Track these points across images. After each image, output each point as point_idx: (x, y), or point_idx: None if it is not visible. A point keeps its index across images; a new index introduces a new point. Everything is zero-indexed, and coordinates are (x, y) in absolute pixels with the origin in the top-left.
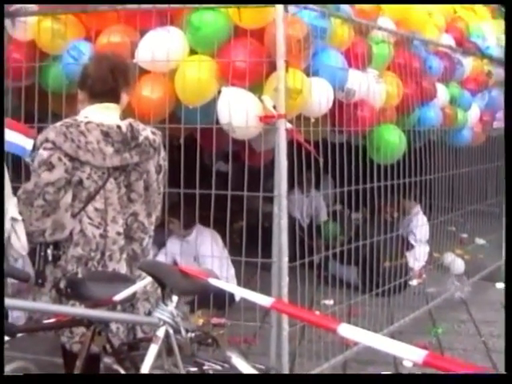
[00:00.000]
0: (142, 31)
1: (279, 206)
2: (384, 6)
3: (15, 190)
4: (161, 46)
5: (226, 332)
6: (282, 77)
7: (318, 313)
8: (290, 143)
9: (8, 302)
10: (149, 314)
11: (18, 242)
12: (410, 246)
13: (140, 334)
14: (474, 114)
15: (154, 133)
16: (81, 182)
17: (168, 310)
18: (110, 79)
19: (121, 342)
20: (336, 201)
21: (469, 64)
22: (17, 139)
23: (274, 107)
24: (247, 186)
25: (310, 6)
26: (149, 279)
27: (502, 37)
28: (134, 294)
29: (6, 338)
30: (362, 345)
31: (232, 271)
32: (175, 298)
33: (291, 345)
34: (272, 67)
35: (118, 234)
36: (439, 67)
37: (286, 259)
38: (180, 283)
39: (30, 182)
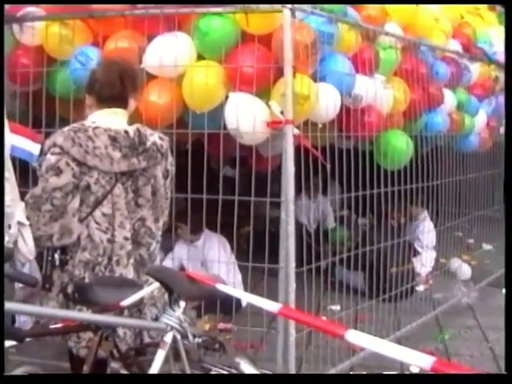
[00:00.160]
0: (150, 36)
1: (286, 211)
2: (391, 12)
3: (22, 195)
4: (168, 52)
5: (233, 337)
6: (289, 82)
7: (324, 318)
8: (297, 149)
9: (16, 307)
10: (156, 319)
11: (25, 246)
12: (416, 252)
13: (147, 339)
14: (481, 119)
15: (161, 138)
16: (88, 186)
17: (175, 316)
18: (118, 84)
19: (128, 347)
20: (343, 206)
21: (476, 70)
22: (24, 144)
23: (282, 113)
24: (254, 191)
25: (318, 11)
26: (156, 285)
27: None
28: (141, 300)
29: (14, 343)
30: (369, 350)
31: (239, 277)
32: (182, 304)
33: (298, 350)
34: (279, 73)
35: (126, 238)
36: (446, 73)
37: (293, 265)
38: (187, 289)
39: (37, 187)
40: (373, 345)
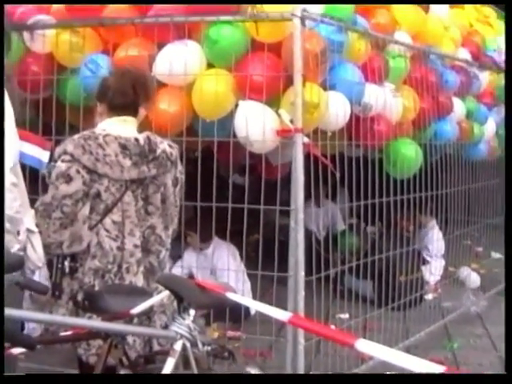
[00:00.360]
0: (160, 45)
1: (296, 219)
2: (401, 21)
3: (32, 202)
4: (178, 60)
5: (242, 345)
6: (299, 91)
7: (333, 327)
8: (307, 156)
9: (26, 314)
10: (165, 326)
11: (35, 253)
12: (425, 261)
13: (156, 347)
14: (490, 128)
15: (171, 146)
16: (98, 194)
17: (185, 324)
18: (131, 93)
19: (137, 355)
20: (352, 214)
21: (485, 78)
22: (33, 151)
23: (291, 121)
24: (263, 199)
25: (327, 20)
26: (166, 293)
27: None
28: (151, 307)
29: (23, 350)
30: (378, 359)
31: (248, 285)
32: (192, 312)
33: (307, 359)
34: (289, 81)
35: (135, 246)
36: (455, 81)
37: (302, 273)
38: (197, 297)
39: (47, 195)
40: (382, 354)
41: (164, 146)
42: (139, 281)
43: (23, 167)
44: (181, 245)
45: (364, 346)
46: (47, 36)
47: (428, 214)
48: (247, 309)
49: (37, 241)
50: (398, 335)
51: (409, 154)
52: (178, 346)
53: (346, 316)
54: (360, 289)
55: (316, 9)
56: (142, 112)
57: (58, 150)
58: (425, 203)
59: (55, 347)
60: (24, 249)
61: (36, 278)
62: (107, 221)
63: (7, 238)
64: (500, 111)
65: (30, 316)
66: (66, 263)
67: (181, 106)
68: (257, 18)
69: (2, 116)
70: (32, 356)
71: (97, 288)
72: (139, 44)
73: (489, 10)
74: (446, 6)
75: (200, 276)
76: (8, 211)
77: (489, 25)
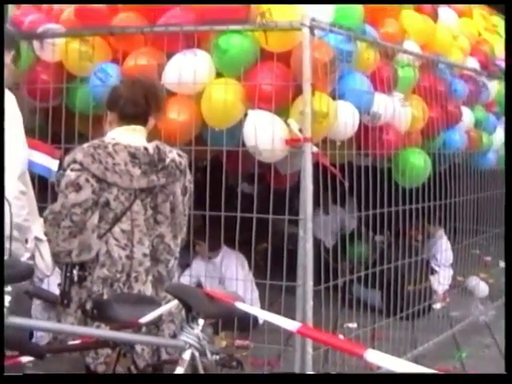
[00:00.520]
0: (169, 54)
1: (304, 229)
2: (409, 30)
3: (41, 211)
4: (187, 69)
5: (250, 354)
6: (308, 100)
7: (341, 336)
8: (316, 165)
9: (36, 323)
10: (174, 335)
11: (43, 262)
12: (433, 270)
13: (164, 356)
14: (498, 137)
15: (180, 155)
16: (108, 203)
17: (194, 334)
18: (142, 103)
19: (145, 364)
20: (361, 223)
21: (494, 87)
22: (42, 160)
23: (300, 130)
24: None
25: (336, 29)
26: (175, 302)
27: None
28: (159, 317)
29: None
30: (385, 369)
31: (256, 294)
32: (201, 322)
33: (315, 368)
34: (298, 90)
35: (144, 255)
36: (464, 90)
37: (310, 283)
38: (206, 307)
39: (56, 203)
40: (391, 364)
41: (173, 155)
42: (148, 290)
43: (32, 176)
44: (189, 253)
45: (373, 356)
46: (57, 45)
47: (436, 223)
48: (255, 318)
49: (45, 249)
50: (406, 345)
51: (417, 163)
52: (186, 356)
53: (354, 325)
54: (368, 298)
55: (325, 18)
56: (152, 121)
57: (68, 158)
58: (433, 212)
59: (63, 355)
60: (32, 257)
61: (45, 286)
62: (116, 229)
63: (15, 245)
64: None
65: (38, 325)
66: (75, 272)
67: (190, 114)
68: (266, 27)
69: (2, 116)
70: (40, 364)
71: (105, 297)
72: (148, 53)
73: (497, 19)
74: (454, 15)
75: (208, 285)
76: (16, 219)
77: (497, 34)
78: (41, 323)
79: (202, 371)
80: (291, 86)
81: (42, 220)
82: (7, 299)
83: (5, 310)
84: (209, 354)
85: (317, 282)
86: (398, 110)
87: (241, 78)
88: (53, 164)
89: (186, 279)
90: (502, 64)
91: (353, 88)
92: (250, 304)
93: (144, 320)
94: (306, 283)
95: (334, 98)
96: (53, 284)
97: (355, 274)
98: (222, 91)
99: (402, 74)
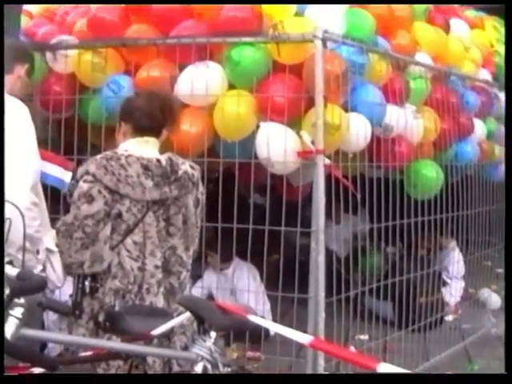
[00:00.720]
0: (182, 66)
1: (316, 241)
2: (421, 42)
3: (53, 222)
4: (200, 81)
5: (261, 366)
6: (320, 112)
7: (353, 348)
8: (328, 177)
9: (48, 335)
10: (185, 347)
11: (54, 273)
12: (445, 282)
13: (176, 368)
14: None
15: (192, 167)
16: (120, 214)
17: (206, 346)
18: (159, 116)
19: None
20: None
21: None
22: (55, 172)
23: (313, 142)
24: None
25: (349, 41)
26: (187, 314)
27: None
28: (171, 329)
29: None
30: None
31: (268, 306)
32: (213, 334)
33: None
34: (310, 102)
35: (156, 267)
36: (476, 102)
37: (322, 294)
38: (219, 319)
39: (69, 215)
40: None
41: (186, 167)
42: (159, 302)
43: (44, 187)
44: (201, 265)
45: (386, 369)
46: (69, 56)
47: (449, 235)
48: (267, 329)
49: (56, 261)
50: (418, 357)
51: (429, 175)
52: (199, 368)
53: (365, 337)
54: (380, 310)
55: (337, 30)
56: (164, 134)
57: (80, 170)
58: (445, 224)
59: (74, 366)
60: (43, 269)
61: (56, 296)
62: (128, 241)
63: (27, 256)
64: None
65: (51, 337)
66: (87, 283)
67: (202, 126)
68: (278, 39)
69: (2, 116)
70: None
71: (117, 308)
72: (161, 65)
73: None
74: (466, 27)
75: (220, 296)
76: (28, 230)
77: None
78: (53, 335)
79: None
80: (303, 98)
81: (53, 232)
82: (20, 311)
83: (17, 321)
84: (221, 367)
85: (328, 293)
86: (410, 122)
87: (253, 89)
88: (66, 176)
89: (197, 291)
90: None
91: (365, 100)
92: (262, 316)
93: (156, 332)
94: (318, 295)
95: (346, 110)
96: (64, 295)
97: (367, 285)
98: (234, 103)
99: (414, 86)
